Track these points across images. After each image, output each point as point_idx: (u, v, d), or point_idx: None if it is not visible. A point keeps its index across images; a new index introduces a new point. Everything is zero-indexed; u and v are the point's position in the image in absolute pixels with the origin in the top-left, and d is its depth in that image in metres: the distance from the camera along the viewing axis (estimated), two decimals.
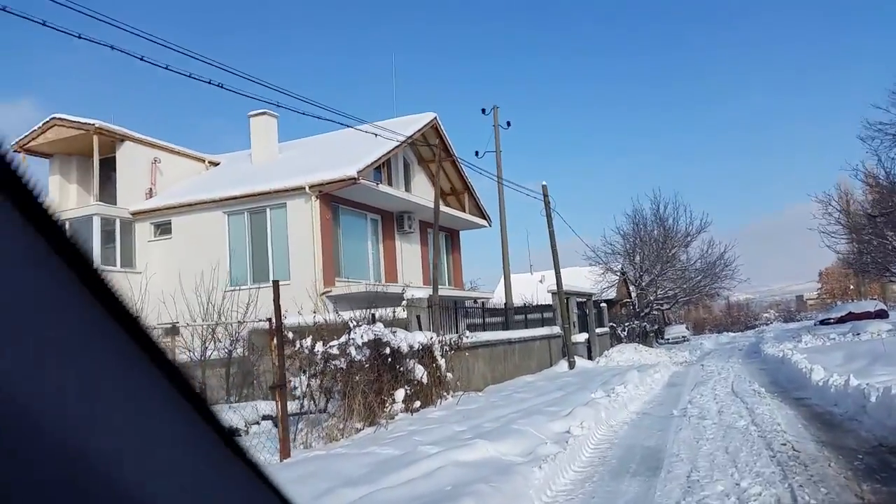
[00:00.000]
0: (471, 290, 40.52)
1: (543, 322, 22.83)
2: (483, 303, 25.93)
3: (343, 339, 9.57)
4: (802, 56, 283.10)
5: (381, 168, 21.77)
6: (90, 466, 0.50)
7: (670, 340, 44.22)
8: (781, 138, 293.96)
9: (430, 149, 23.67)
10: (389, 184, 21.98)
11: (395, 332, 10.58)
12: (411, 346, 10.98)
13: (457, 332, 14.18)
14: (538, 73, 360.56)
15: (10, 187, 0.50)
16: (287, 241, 17.78)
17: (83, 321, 0.54)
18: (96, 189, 18.81)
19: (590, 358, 23.51)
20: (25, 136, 19.17)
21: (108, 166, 19.38)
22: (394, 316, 11.21)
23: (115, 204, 18.95)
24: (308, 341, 9.31)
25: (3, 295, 0.48)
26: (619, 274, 41.63)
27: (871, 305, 39.24)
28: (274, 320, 7.79)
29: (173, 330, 12.49)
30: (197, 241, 18.04)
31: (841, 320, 35.92)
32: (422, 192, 23.79)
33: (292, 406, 8.96)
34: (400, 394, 9.73)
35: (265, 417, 9.76)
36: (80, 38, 7.92)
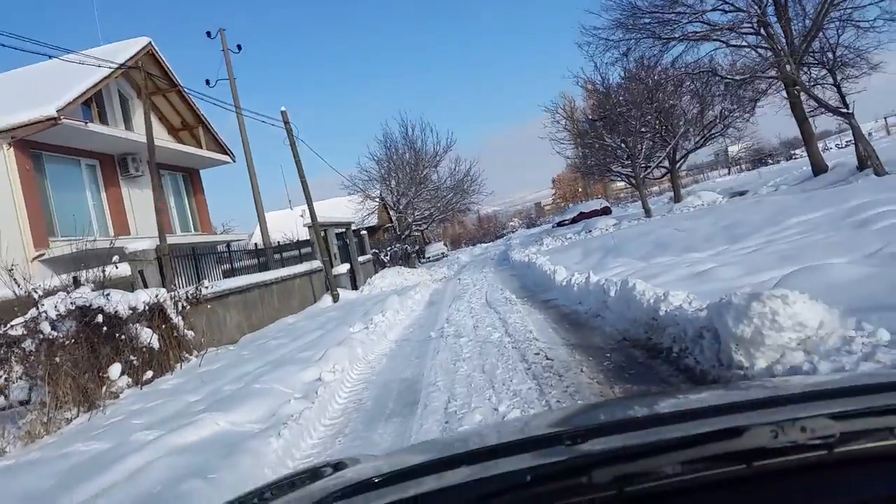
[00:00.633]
0: (223, 233, 37.80)
1: (302, 258, 21.71)
2: (245, 246, 23.96)
3: (30, 314, 7.60)
4: None
5: (91, 104, 18.36)
6: None
7: (431, 259, 45.89)
8: (518, 53, 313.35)
9: (148, 78, 20.60)
10: (104, 122, 18.67)
11: (108, 294, 8.77)
12: (134, 308, 9.27)
13: (204, 283, 12.52)
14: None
15: None
16: None
17: None
18: None
19: (354, 288, 23.05)
20: None
21: None
22: (104, 276, 9.28)
23: None
24: None
25: None
26: (378, 200, 41.67)
27: (597, 204, 44.27)
28: None
29: None
30: None
31: (574, 220, 39.99)
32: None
33: None
34: (116, 369, 8.08)
35: None
36: None
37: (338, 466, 1.47)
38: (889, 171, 17.34)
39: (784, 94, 22.39)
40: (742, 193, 26.93)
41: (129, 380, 8.83)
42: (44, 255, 14.37)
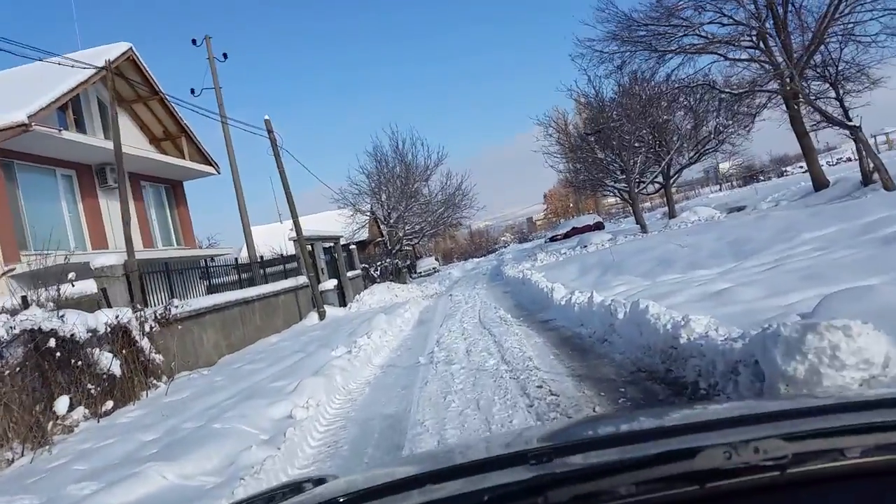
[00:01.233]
0: (209, 247, 36.86)
1: (287, 273, 20.87)
2: (235, 260, 23.10)
3: None
4: None
5: (67, 111, 17.58)
6: None
7: (422, 273, 45.14)
8: (509, 66, 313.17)
9: (128, 85, 19.83)
10: (81, 130, 17.87)
11: (62, 315, 7.93)
12: (94, 331, 8.43)
13: (174, 301, 11.66)
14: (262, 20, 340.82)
15: None
16: None
17: None
18: None
19: (343, 304, 22.21)
20: None
21: None
22: (59, 294, 8.42)
23: None
24: None
25: None
26: (368, 214, 40.90)
27: (590, 219, 43.67)
28: None
29: None
30: None
31: (567, 235, 39.33)
32: (127, 137, 19.76)
33: None
34: (62, 402, 7.20)
35: None
36: None
37: (319, 482, 1.55)
38: None
39: (784, 107, 21.85)
40: (741, 209, 26.34)
41: (87, 411, 7.96)
42: (14, 269, 13.48)
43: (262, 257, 21.26)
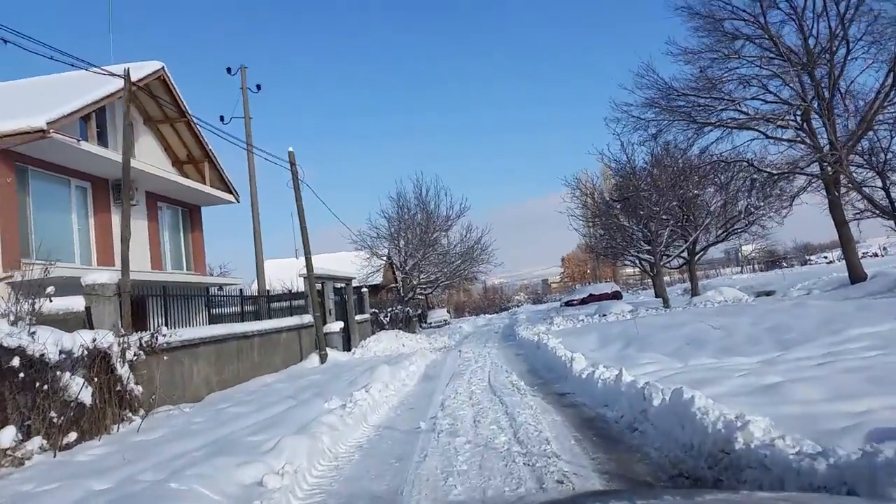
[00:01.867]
0: (219, 276, 36.33)
1: (293, 311, 20.08)
2: (240, 292, 22.49)
3: None
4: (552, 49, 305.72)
5: (90, 123, 17.29)
6: None
7: (432, 325, 44.18)
8: (537, 125, 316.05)
9: (157, 105, 19.61)
10: (103, 144, 17.55)
11: (34, 332, 7.18)
12: (68, 353, 7.65)
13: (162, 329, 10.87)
14: (297, 57, 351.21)
15: None
16: None
17: None
18: None
19: (347, 348, 21.30)
20: None
21: None
22: (34, 309, 7.68)
23: None
24: None
25: None
26: (385, 258, 40.29)
27: (607, 287, 42.64)
28: None
29: None
30: None
31: (583, 301, 38.29)
32: (149, 156, 19.59)
33: None
34: (7, 433, 6.36)
35: None
36: None
37: None
38: None
39: (824, 192, 21.05)
40: (769, 293, 25.29)
41: (45, 442, 7.11)
42: (12, 276, 12.87)
43: (269, 292, 20.56)
